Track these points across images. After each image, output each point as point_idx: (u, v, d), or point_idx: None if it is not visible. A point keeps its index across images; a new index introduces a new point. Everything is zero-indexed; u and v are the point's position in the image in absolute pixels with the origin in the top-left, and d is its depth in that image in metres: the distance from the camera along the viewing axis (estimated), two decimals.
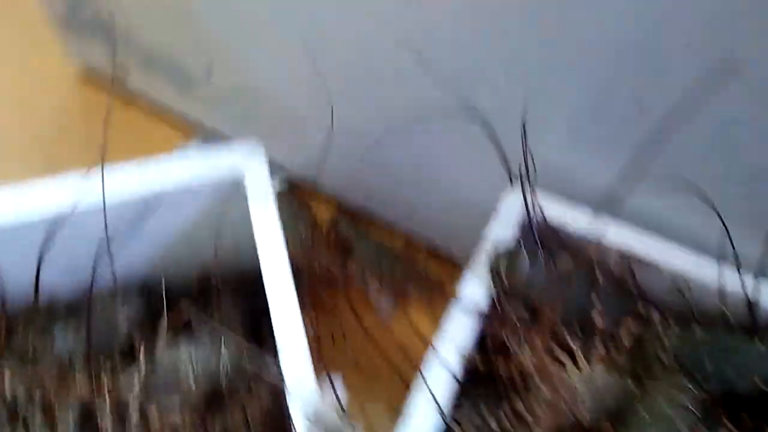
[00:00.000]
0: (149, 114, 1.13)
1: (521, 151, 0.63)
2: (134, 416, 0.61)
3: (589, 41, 0.53)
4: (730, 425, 0.55)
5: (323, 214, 0.96)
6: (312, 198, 1.00)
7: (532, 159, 0.58)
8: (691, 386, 0.54)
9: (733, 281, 0.57)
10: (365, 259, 0.86)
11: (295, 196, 0.97)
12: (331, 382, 0.56)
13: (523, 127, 0.57)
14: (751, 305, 0.56)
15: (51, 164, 1.08)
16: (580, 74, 0.57)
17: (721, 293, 0.57)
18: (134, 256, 0.74)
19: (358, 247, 0.88)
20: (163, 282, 0.72)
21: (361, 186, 0.92)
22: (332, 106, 0.71)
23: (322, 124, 0.75)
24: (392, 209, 0.94)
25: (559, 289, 0.58)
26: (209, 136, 1.08)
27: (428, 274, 0.84)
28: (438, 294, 0.82)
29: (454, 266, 0.92)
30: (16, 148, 1.11)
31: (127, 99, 1.16)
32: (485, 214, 0.67)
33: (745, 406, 0.57)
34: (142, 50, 0.99)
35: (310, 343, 0.58)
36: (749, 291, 0.55)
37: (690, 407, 0.53)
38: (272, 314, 0.60)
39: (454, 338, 0.57)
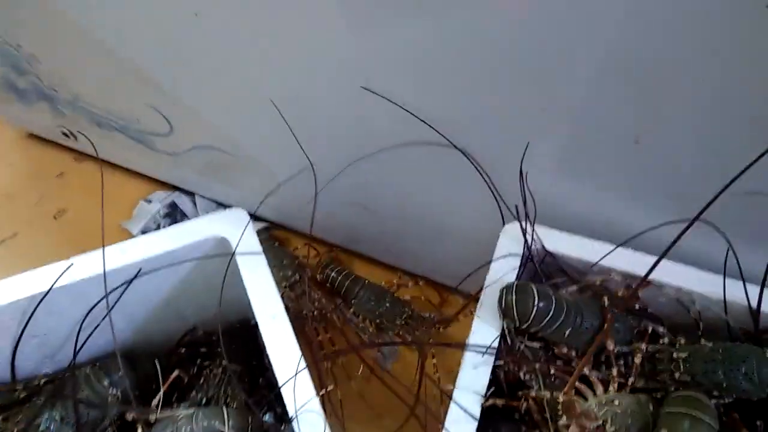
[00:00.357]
0: (105, 170, 1.08)
1: (511, 183, 0.63)
2: None
3: (580, 73, 0.54)
4: None
5: (304, 253, 0.94)
6: (292, 239, 0.99)
7: (530, 193, 0.58)
8: (705, 398, 0.55)
9: (734, 292, 0.58)
10: (362, 306, 0.84)
11: (275, 240, 0.95)
12: None
13: (521, 163, 0.57)
14: (755, 314, 0.57)
15: (6, 232, 1.03)
16: (573, 107, 0.57)
17: (726, 305, 0.58)
18: (120, 328, 0.70)
19: (353, 293, 0.86)
20: (152, 353, 0.69)
21: (344, 228, 0.90)
22: (309, 157, 0.70)
23: (295, 172, 0.73)
24: (377, 248, 0.93)
25: (569, 319, 0.58)
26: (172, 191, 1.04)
27: (426, 316, 0.83)
28: (439, 330, 0.81)
29: (448, 289, 0.92)
30: None
31: (79, 156, 1.11)
32: (477, 245, 0.67)
33: (759, 412, 0.58)
34: (92, 113, 0.95)
35: (319, 396, 0.56)
36: (754, 301, 0.56)
37: (707, 420, 0.53)
38: (277, 375, 0.58)
39: (470, 380, 0.56)
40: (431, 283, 0.93)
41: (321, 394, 0.56)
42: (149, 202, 1.02)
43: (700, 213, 0.43)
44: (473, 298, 0.65)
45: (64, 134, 1.05)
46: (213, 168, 0.92)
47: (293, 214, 0.94)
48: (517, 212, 0.61)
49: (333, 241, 0.96)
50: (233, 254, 0.63)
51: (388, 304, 0.84)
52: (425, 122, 0.63)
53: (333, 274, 0.89)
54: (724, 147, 0.52)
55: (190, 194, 1.03)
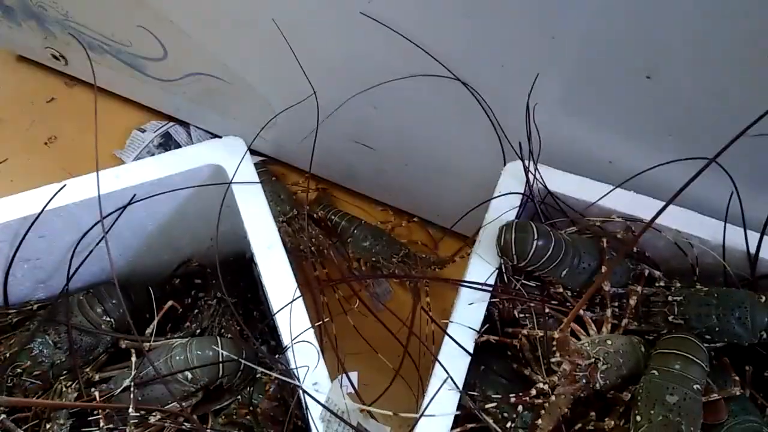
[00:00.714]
0: (98, 96, 1.04)
1: (515, 121, 0.62)
2: (131, 417, 0.58)
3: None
4: (736, 376, 0.57)
5: (305, 190, 0.92)
6: (289, 174, 0.97)
7: (537, 129, 0.56)
8: (698, 341, 0.55)
9: (734, 238, 0.58)
10: (358, 245, 0.84)
11: (272, 175, 0.94)
12: (347, 374, 0.54)
13: (528, 96, 0.55)
14: (753, 261, 0.57)
15: None
16: (584, 37, 0.55)
17: (724, 250, 0.58)
18: (113, 255, 0.69)
19: (349, 232, 0.85)
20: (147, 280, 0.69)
21: (342, 165, 0.89)
22: (313, 88, 0.68)
23: (293, 103, 0.71)
24: (374, 187, 0.92)
25: (567, 259, 0.58)
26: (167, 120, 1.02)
27: (423, 257, 0.83)
28: (434, 269, 0.80)
29: (442, 230, 0.91)
30: None
31: (70, 81, 1.08)
32: (477, 186, 0.66)
33: (749, 358, 0.59)
34: (83, 34, 0.91)
35: (314, 329, 0.56)
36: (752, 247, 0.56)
37: (698, 361, 0.54)
38: (271, 304, 0.57)
39: (465, 316, 0.56)
40: (424, 223, 0.92)
41: (317, 324, 0.56)
42: (143, 131, 0.99)
43: (717, 156, 0.42)
44: (470, 241, 0.65)
45: (54, 57, 1.01)
46: (208, 97, 0.90)
47: (291, 148, 0.93)
48: (521, 149, 0.60)
49: (329, 178, 0.94)
50: (230, 183, 0.62)
51: (384, 243, 0.84)
52: (426, 52, 0.61)
53: (329, 213, 0.89)
54: (739, 87, 0.51)
55: (186, 125, 1.00)
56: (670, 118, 0.56)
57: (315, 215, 0.88)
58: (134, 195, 0.64)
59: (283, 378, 0.51)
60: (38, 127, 1.04)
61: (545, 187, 0.61)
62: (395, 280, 0.87)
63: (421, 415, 0.51)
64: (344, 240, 0.86)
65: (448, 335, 0.55)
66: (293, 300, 0.54)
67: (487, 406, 0.55)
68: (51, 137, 1.03)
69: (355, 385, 0.52)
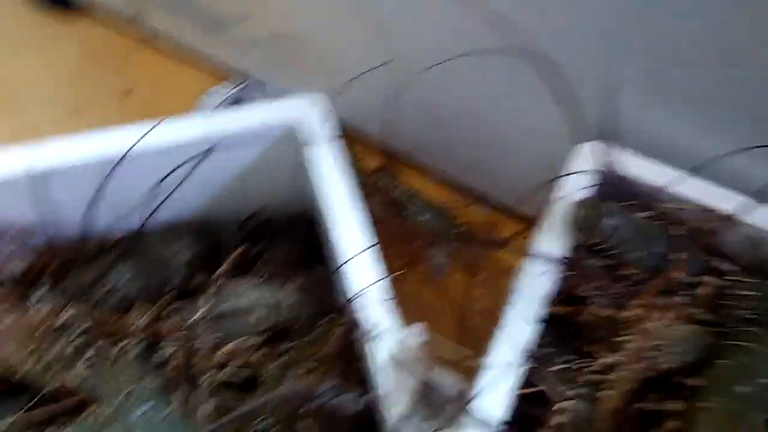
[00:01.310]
0: (171, 56, 1.08)
1: (589, 100, 0.61)
2: (201, 347, 0.59)
3: None
4: None
5: (367, 159, 0.93)
6: (355, 143, 0.98)
7: (615, 112, 0.56)
8: None
9: None
10: (416, 217, 0.85)
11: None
12: (414, 325, 0.54)
13: (608, 78, 0.55)
14: None
15: (72, 109, 1.05)
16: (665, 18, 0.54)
17: None
18: (189, 200, 0.71)
19: (409, 205, 0.86)
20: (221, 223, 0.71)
21: (409, 133, 0.90)
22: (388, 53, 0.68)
23: (367, 70, 0.72)
24: (439, 159, 0.92)
25: (638, 242, 0.58)
26: (241, 80, 1.04)
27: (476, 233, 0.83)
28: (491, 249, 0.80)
29: (501, 211, 0.92)
30: (35, 96, 1.05)
31: (146, 40, 1.11)
32: (542, 163, 0.66)
33: None
34: None
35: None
36: None
37: None
38: (341, 252, 0.59)
39: (532, 290, 0.57)
40: (483, 202, 0.92)
41: (389, 276, 0.56)
42: (217, 91, 1.02)
43: None
44: (531, 222, 0.64)
45: (133, 14, 1.05)
46: (285, 58, 0.91)
47: (360, 116, 0.93)
48: (594, 131, 0.59)
49: (394, 148, 0.95)
50: (306, 140, 0.64)
51: (442, 220, 0.85)
52: (506, 28, 0.61)
53: (391, 186, 0.89)
54: None
55: (260, 87, 1.02)
56: (759, 105, 0.55)
57: (377, 184, 0.88)
58: (214, 145, 0.66)
59: (352, 319, 0.52)
60: (112, 82, 1.08)
61: (618, 170, 0.61)
62: (450, 259, 0.88)
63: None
64: (402, 214, 0.87)
65: (512, 304, 0.56)
66: (365, 249, 0.55)
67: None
68: (125, 92, 1.06)
69: (423, 337, 0.53)
